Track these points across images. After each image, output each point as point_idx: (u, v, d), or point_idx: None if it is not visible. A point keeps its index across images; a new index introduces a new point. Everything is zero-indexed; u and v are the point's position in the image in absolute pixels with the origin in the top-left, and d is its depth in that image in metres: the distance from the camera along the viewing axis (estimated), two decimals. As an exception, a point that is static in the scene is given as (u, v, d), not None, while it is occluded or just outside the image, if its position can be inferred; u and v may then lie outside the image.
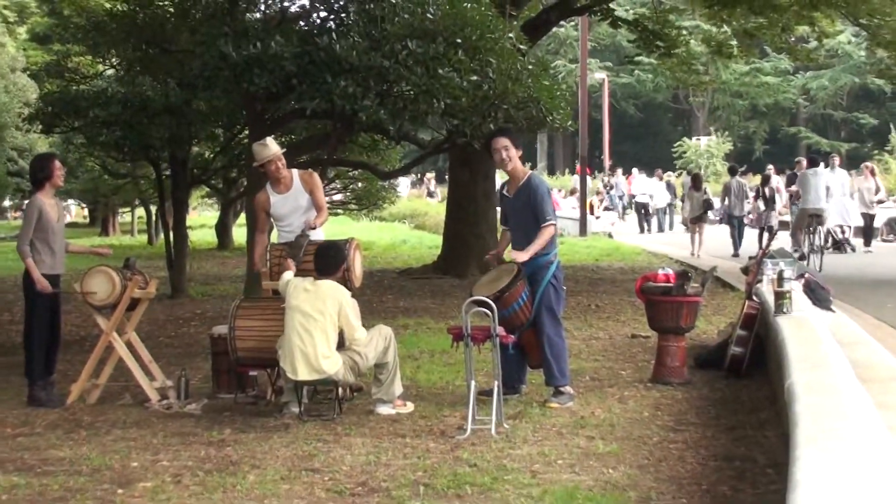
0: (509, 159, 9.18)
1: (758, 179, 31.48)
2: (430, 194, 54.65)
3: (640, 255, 26.06)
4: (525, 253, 8.96)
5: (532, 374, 9.70)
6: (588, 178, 48.50)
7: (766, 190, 24.54)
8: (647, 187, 39.33)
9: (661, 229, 37.50)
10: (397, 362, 8.99)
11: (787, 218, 25.87)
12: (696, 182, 26.00)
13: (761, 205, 24.67)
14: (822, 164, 23.58)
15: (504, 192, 9.45)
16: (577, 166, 51.79)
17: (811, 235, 21.57)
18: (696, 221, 25.31)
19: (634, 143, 72.91)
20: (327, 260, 8.76)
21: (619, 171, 43.80)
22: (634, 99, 71.48)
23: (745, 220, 25.82)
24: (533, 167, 63.21)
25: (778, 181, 25.01)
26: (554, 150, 74.54)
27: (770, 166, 31.08)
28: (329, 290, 8.52)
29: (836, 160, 26.61)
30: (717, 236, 26.20)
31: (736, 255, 23.90)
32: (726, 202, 25.73)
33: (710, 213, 26.47)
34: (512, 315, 8.87)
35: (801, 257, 20.40)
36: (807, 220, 21.83)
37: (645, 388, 9.73)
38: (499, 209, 9.92)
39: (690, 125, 72.29)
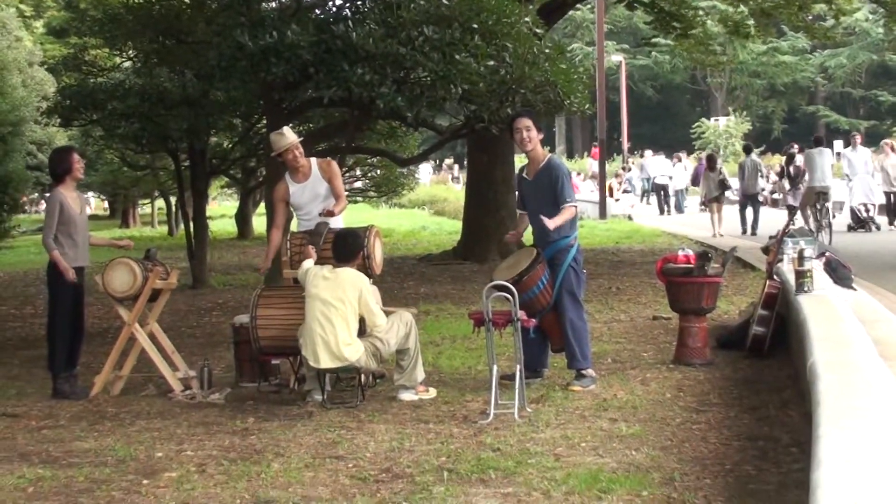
0: (529, 140, 9.16)
1: (777, 159, 31.48)
2: (455, 179, 54.74)
3: (659, 236, 26.02)
4: (553, 221, 8.92)
5: (554, 357, 9.69)
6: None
7: (791, 169, 24.47)
8: (667, 169, 39.27)
9: (680, 210, 37.45)
10: (419, 348, 9.00)
11: None
12: (711, 162, 26.21)
13: (786, 183, 24.59)
14: (843, 142, 24.00)
15: (523, 174, 9.43)
16: (593, 149, 51.84)
17: (819, 212, 22.23)
18: (713, 201, 25.54)
19: (652, 125, 72.71)
20: (345, 248, 8.76)
21: (649, 152, 43.69)
22: (652, 81, 71.28)
23: (760, 198, 25.92)
24: (552, 151, 63.24)
25: (801, 160, 25.02)
26: (572, 134, 74.41)
27: (794, 145, 30.98)
28: (349, 277, 8.53)
29: (858, 138, 26.54)
30: (736, 216, 26.21)
31: (745, 232, 24.56)
32: (742, 181, 25.95)
33: (728, 193, 26.57)
34: (532, 299, 8.87)
35: (809, 233, 20.55)
36: (814, 198, 22.51)
37: (667, 369, 9.72)
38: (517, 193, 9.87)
39: (709, 106, 72.03)
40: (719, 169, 26.03)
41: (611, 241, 25.19)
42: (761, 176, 25.85)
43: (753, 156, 26.21)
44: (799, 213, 23.09)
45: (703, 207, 28.96)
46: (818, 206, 22.28)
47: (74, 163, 9.77)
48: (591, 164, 50.62)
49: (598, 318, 12.99)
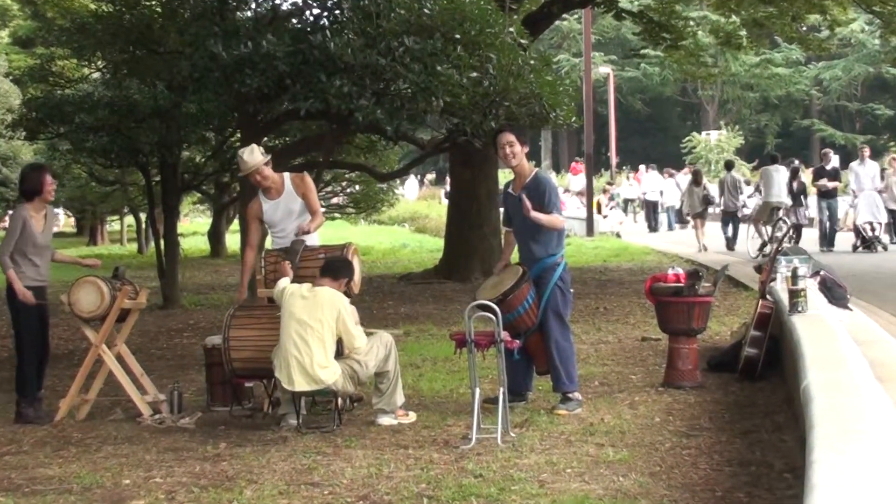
0: (513, 155, 9.16)
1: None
2: (448, 195, 54.97)
3: (649, 254, 26.09)
4: (536, 213, 8.94)
5: (539, 380, 9.69)
6: (581, 175, 48.67)
7: (796, 185, 24.68)
8: (658, 184, 39.37)
9: (670, 227, 37.55)
10: (398, 371, 8.98)
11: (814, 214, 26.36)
12: (697, 177, 27.35)
13: (788, 200, 24.75)
14: (839, 157, 24.74)
15: (509, 190, 9.42)
16: (573, 165, 52.00)
17: (772, 227, 23.32)
18: (696, 217, 26.58)
19: (642, 139, 72.92)
20: (335, 268, 8.80)
21: (643, 168, 43.96)
22: (641, 93, 71.46)
23: (739, 215, 26.43)
24: (537, 165, 63.37)
25: (763, 176, 25.40)
26: (558, 148, 74.53)
27: (795, 160, 31.26)
28: (327, 296, 8.52)
29: (867, 151, 26.73)
30: (719, 232, 26.61)
31: (731, 248, 25.58)
32: (723, 198, 26.83)
33: (710, 209, 27.44)
34: (517, 319, 8.87)
35: (763, 246, 23.14)
36: (768, 213, 23.84)
37: (656, 392, 9.72)
38: (502, 210, 9.87)
39: (700, 119, 72.24)
40: (704, 184, 26.75)
41: (598, 259, 25.25)
42: (741, 193, 26.58)
43: (734, 172, 27.42)
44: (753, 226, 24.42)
45: (681, 224, 29.87)
46: (773, 220, 23.51)
47: (46, 184, 9.70)
48: (570, 181, 50.75)
49: (584, 339, 12.99)
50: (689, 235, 27.80)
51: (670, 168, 42.30)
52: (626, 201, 45.27)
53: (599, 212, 37.97)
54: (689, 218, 29.17)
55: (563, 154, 72.47)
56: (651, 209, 38.79)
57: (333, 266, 8.87)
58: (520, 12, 20.53)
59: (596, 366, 11.24)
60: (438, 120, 15.04)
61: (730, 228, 26.17)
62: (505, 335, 8.39)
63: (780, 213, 23.85)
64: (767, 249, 22.26)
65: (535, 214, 8.93)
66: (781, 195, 24.14)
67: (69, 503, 6.86)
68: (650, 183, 40.14)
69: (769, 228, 23.40)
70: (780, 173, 24.40)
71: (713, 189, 28.59)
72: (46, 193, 9.73)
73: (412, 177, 59.62)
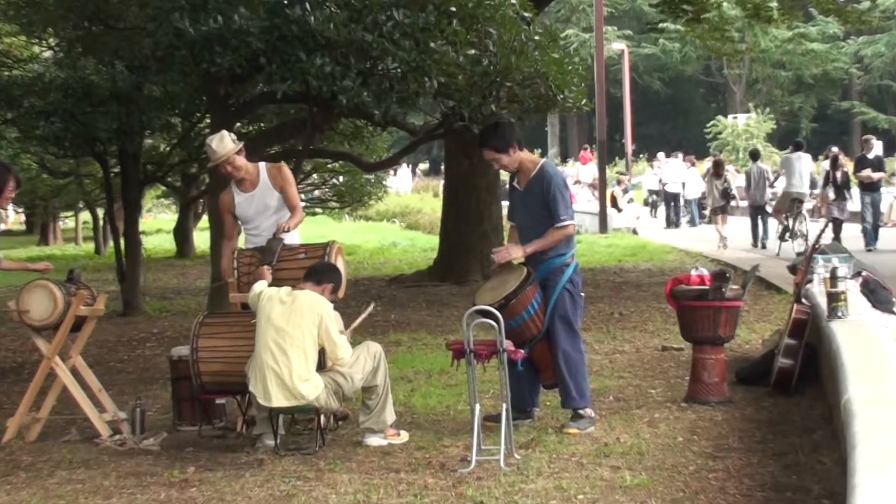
0: (502, 167, 9.27)
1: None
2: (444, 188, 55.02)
3: (669, 253, 26.09)
4: (525, 248, 8.98)
5: (546, 395, 9.68)
6: (591, 164, 48.67)
7: (838, 174, 24.71)
8: (680, 174, 39.30)
9: (693, 223, 37.49)
10: (388, 385, 8.97)
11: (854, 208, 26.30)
12: (717, 168, 27.43)
13: (830, 193, 24.74)
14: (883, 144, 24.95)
15: (514, 183, 9.41)
16: (581, 153, 51.93)
17: (793, 220, 24.00)
18: (717, 213, 26.96)
19: (661, 124, 73.04)
20: (321, 272, 8.80)
21: (661, 155, 43.89)
22: (659, 72, 71.56)
23: (769, 209, 26.56)
24: (543, 154, 63.44)
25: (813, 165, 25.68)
26: (567, 134, 74.66)
27: (834, 147, 31.28)
28: (307, 301, 8.51)
29: None
30: (743, 228, 26.74)
31: (756, 245, 26.06)
32: (749, 191, 27.12)
33: (731, 203, 27.68)
34: (521, 326, 8.86)
35: (784, 231, 24.17)
36: (788, 204, 24.42)
37: (678, 408, 9.71)
38: (505, 203, 9.88)
39: (726, 101, 72.35)
40: (725, 176, 26.87)
41: (613, 258, 25.24)
42: (769, 185, 26.71)
43: (760, 163, 27.57)
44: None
45: (707, 220, 30.08)
46: (794, 213, 24.05)
47: (6, 191, 9.55)
48: (579, 170, 50.72)
49: (597, 348, 12.99)
50: (714, 231, 27.81)
51: (693, 156, 42.27)
52: (651, 193, 45.10)
53: (614, 205, 37.90)
54: (707, 213, 29.45)
55: (572, 141, 72.58)
56: (672, 202, 38.71)
57: (317, 269, 8.88)
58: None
59: (610, 379, 11.24)
60: (432, 103, 15.03)
61: (759, 224, 26.50)
62: (508, 344, 8.38)
63: (803, 205, 24.39)
64: (797, 248, 22.69)
65: (528, 250, 9.00)
66: (802, 185, 24.87)
67: (18, 535, 6.84)
68: (671, 173, 40.08)
69: (791, 221, 24.00)
70: (801, 161, 25.05)
71: (740, 180, 28.72)
72: (3, 200, 9.62)
73: (405, 167, 59.70)
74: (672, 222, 37.49)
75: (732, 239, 26.19)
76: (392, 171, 53.47)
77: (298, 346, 8.39)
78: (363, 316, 9.55)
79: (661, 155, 44.40)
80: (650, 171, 48.39)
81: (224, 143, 9.58)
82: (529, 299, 8.88)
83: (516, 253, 9.06)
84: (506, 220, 9.94)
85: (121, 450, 9.17)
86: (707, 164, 40.46)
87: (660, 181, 42.33)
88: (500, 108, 14.10)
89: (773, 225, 25.85)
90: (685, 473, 7.58)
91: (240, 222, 9.94)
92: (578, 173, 50.01)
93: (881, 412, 6.08)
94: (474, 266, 20.22)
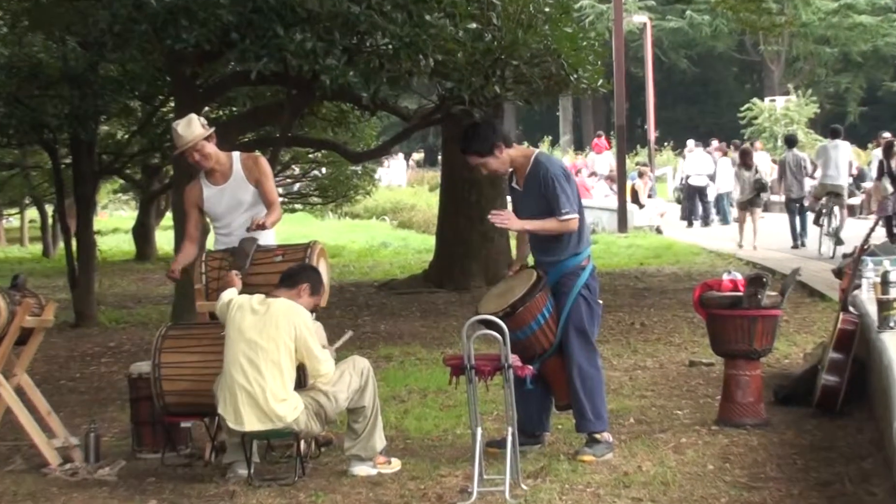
0: (490, 170, 9.29)
1: (857, 153, 32.00)
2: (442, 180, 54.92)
3: (698, 255, 26.13)
4: (523, 224, 9.04)
5: (558, 417, 9.68)
6: (606, 154, 48.58)
7: (894, 164, 24.71)
8: (705, 165, 39.18)
9: (726, 220, 37.38)
10: (378, 406, 8.96)
11: None
12: (745, 158, 27.26)
13: (888, 185, 24.74)
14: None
15: (513, 183, 9.40)
16: (594, 141, 51.77)
17: (829, 217, 24.28)
18: (746, 207, 26.83)
19: (688, 108, 73.07)
20: (290, 275, 8.78)
21: (691, 143, 43.63)
22: (687, 49, 71.49)
23: (806, 203, 26.62)
24: (555, 142, 63.47)
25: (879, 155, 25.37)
26: (581, 119, 74.63)
27: (886, 133, 31.31)
28: (283, 310, 8.49)
29: None
30: (776, 225, 26.78)
31: (796, 245, 26.14)
32: (784, 182, 27.29)
33: (763, 196, 27.81)
34: (530, 338, 8.85)
35: (819, 215, 24.52)
36: (823, 198, 24.74)
37: (708, 432, 9.71)
38: (509, 199, 9.86)
39: (762, 82, 72.31)
40: (755, 167, 26.82)
41: (634, 261, 25.26)
42: (806, 175, 26.90)
43: (797, 150, 27.68)
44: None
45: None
46: (828, 209, 24.31)
47: None
48: (593, 160, 50.49)
49: (616, 364, 13.00)
50: (748, 231, 27.80)
51: (724, 144, 42.15)
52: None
53: (635, 200, 37.86)
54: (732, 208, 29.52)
55: (587, 127, 72.57)
56: (695, 196, 38.53)
57: (289, 272, 8.86)
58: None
59: (631, 398, 11.24)
60: (427, 84, 15.05)
61: (796, 220, 26.54)
62: (514, 359, 8.38)
63: (841, 199, 24.57)
64: (826, 249, 23.14)
65: (527, 225, 9.03)
66: (839, 177, 25.01)
67: (-45, 578, 6.84)
68: (694, 163, 39.88)
69: (825, 219, 24.23)
70: (839, 150, 25.24)
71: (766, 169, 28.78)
72: None
73: (399, 157, 59.65)
74: (700, 219, 37.32)
75: (769, 238, 26.08)
76: (384, 162, 53.41)
77: (273, 361, 8.37)
78: (339, 343, 9.52)
79: (690, 143, 44.15)
80: (682, 162, 47.87)
81: (192, 128, 9.56)
82: (539, 307, 8.86)
83: (515, 224, 9.09)
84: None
85: (72, 480, 9.16)
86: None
87: (682, 173, 42.14)
88: (505, 89, 14.12)
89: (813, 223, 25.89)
90: (716, 506, 7.59)
91: (208, 219, 9.93)
92: (593, 164, 49.76)
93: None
94: (476, 270, 20.23)
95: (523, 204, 9.25)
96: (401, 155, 59.66)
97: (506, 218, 9.08)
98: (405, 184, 56.56)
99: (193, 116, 9.74)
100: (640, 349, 14.05)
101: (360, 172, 31.13)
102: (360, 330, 16.43)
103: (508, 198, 9.87)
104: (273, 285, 8.83)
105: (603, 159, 48.70)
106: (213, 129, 9.73)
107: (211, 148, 9.59)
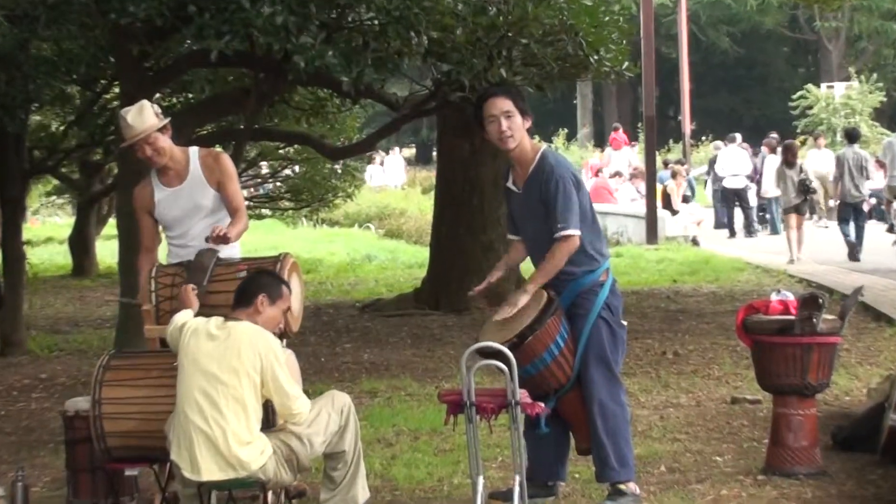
0: (511, 133, 9.05)
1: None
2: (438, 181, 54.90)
3: (742, 270, 26.13)
4: (526, 288, 8.90)
5: (574, 463, 9.68)
6: (626, 150, 48.58)
7: None
8: (741, 164, 38.94)
9: (774, 230, 37.23)
10: (360, 450, 8.97)
11: None
12: (789, 155, 27.13)
13: None
14: None
15: (510, 185, 9.33)
16: (612, 135, 51.62)
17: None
18: (790, 212, 26.91)
19: (730, 95, 73.12)
20: (244, 283, 8.72)
21: (738, 137, 43.43)
22: (729, 26, 71.63)
23: (865, 207, 26.73)
24: (571, 136, 63.49)
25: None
26: (603, 109, 74.73)
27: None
28: (246, 335, 8.44)
29: None
30: (836, 234, 26.91)
31: (852, 258, 26.25)
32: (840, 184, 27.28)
33: (813, 199, 27.81)
34: (542, 373, 8.84)
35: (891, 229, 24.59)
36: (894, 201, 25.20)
37: (754, 482, 9.72)
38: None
39: (818, 66, 72.46)
40: (800, 166, 26.75)
41: (665, 278, 25.27)
42: (867, 177, 27.00)
43: (857, 147, 27.65)
44: None
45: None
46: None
47: None
48: (608, 157, 50.25)
49: (644, 401, 13.01)
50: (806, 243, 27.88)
51: (771, 138, 42.03)
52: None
53: (667, 206, 37.77)
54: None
55: (609, 118, 72.52)
56: (733, 202, 38.29)
57: (243, 286, 8.73)
58: None
59: (662, 442, 11.26)
60: (420, 67, 15.06)
61: (851, 228, 26.55)
62: (523, 395, 8.37)
63: None
64: None
65: (526, 296, 8.85)
66: None
67: None
68: (730, 162, 39.55)
69: None
70: None
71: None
72: None
73: (396, 153, 59.44)
74: (744, 228, 37.22)
75: (819, 249, 26.09)
76: (376, 159, 53.35)
77: (235, 397, 8.32)
78: None
79: (737, 136, 43.75)
80: (720, 157, 47.16)
81: (144, 116, 9.51)
82: (552, 335, 8.83)
83: (522, 300, 8.88)
84: (507, 233, 9.83)
85: (-4, 538, 9.18)
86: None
87: (714, 173, 41.96)
88: (512, 73, 14.12)
89: (876, 230, 25.95)
90: (764, 571, 7.60)
91: (160, 226, 9.91)
92: (608, 161, 49.35)
93: None
94: (475, 286, 20.21)
95: (521, 211, 9.20)
96: (396, 150, 59.51)
97: (511, 305, 8.88)
98: (404, 184, 56.21)
99: (146, 103, 9.68)
100: (672, 383, 14.06)
101: (340, 172, 31.14)
102: (339, 360, 16.47)
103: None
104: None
105: (620, 156, 48.43)
106: (168, 120, 9.71)
107: (165, 141, 9.55)
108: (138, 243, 10.06)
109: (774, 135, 40.74)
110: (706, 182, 45.43)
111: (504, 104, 9.02)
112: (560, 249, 8.86)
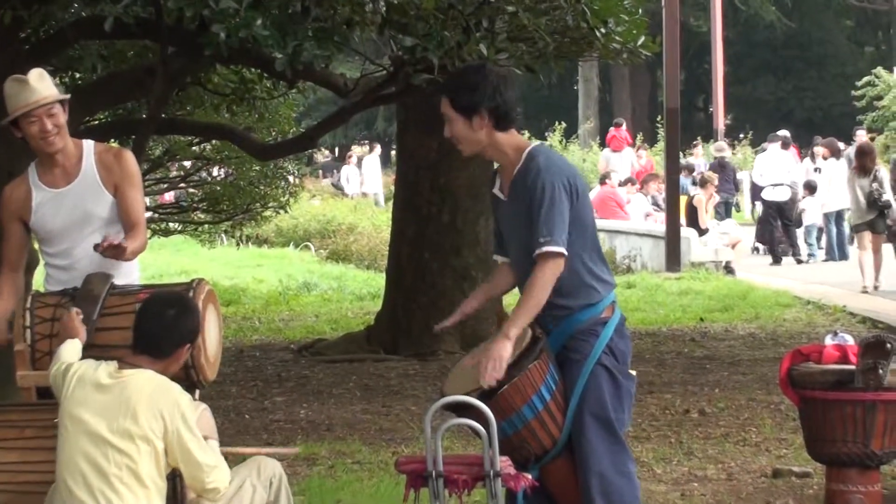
0: (455, 138, 9.23)
1: None
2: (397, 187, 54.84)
3: (788, 306, 26.18)
4: (507, 333, 8.78)
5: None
6: (628, 151, 48.61)
7: None
8: (784, 171, 38.87)
9: (840, 253, 36.95)
10: (294, 533, 9.01)
11: None
12: (863, 161, 26.93)
13: None
14: None
15: (496, 189, 9.32)
16: (611, 132, 51.40)
17: None
18: (864, 230, 27.16)
19: (777, 82, 73.26)
20: (159, 328, 8.70)
21: (786, 134, 43.31)
22: (775, -6, 71.93)
23: None
24: (572, 130, 63.57)
25: None
26: (612, 96, 74.87)
27: None
28: (146, 390, 8.40)
29: None
30: None
31: None
32: None
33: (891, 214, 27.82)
34: (521, 432, 8.84)
35: None
36: None
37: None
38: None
39: (889, 45, 72.72)
40: (875, 172, 26.69)
41: (690, 316, 25.30)
42: None
43: None
44: None
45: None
46: None
47: None
48: (607, 159, 49.84)
49: (661, 472, 13.06)
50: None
51: (832, 139, 42.18)
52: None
53: (693, 223, 37.68)
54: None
55: (621, 108, 72.70)
56: (770, 218, 38.13)
57: (149, 329, 8.63)
58: None
59: (684, 525, 11.32)
60: (377, 41, 15.10)
61: None
62: (505, 463, 8.40)
63: None
64: None
65: (513, 332, 8.68)
66: None
67: None
68: (770, 167, 39.43)
69: None
70: None
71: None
72: None
73: (375, 154, 58.85)
74: (790, 252, 37.19)
75: (890, 277, 26.21)
76: (352, 158, 53.26)
77: (131, 469, 8.30)
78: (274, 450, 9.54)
79: (784, 134, 43.55)
80: (810, 164, 46.15)
81: (45, 82, 9.38)
82: (536, 384, 8.81)
83: (505, 351, 8.67)
84: (494, 253, 9.79)
85: None
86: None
87: (753, 182, 42.00)
88: (494, 50, 14.15)
89: None
90: None
91: (37, 241, 9.86)
92: (606, 165, 48.74)
93: None
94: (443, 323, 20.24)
95: (507, 222, 9.17)
96: (378, 150, 59.18)
97: (495, 364, 8.63)
98: (383, 195, 55.55)
99: (36, 72, 9.50)
100: (697, 450, 14.11)
101: (268, 177, 31.11)
102: (268, 416, 16.50)
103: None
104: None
105: (622, 158, 47.96)
106: (68, 96, 9.60)
107: (63, 119, 9.42)
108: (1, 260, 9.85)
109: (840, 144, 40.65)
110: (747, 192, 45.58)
111: (442, 106, 9.37)
112: (542, 273, 8.72)
